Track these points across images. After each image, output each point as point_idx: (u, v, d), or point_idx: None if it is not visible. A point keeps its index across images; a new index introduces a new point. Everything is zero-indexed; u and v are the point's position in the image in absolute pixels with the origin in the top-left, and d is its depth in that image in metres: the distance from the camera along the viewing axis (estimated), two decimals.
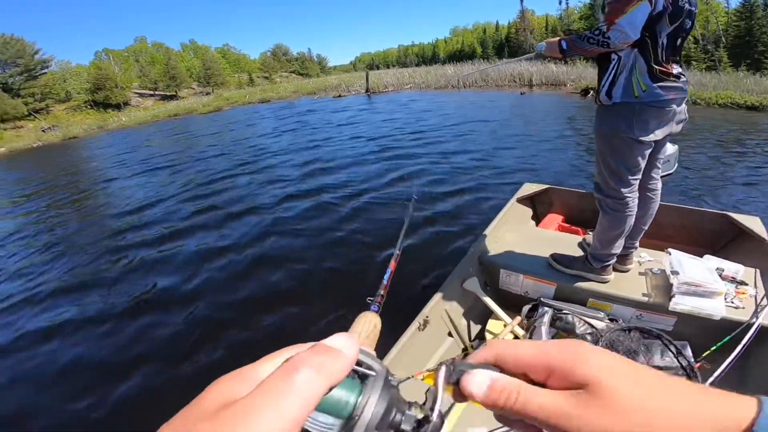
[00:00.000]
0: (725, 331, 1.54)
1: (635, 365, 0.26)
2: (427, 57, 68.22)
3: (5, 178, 12.86)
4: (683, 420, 0.23)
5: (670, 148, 2.29)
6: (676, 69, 1.55)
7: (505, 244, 2.30)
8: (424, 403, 0.27)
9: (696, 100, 11.59)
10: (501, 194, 4.66)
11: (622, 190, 1.72)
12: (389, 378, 0.25)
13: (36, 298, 3.85)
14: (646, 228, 1.92)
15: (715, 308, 1.58)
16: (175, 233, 4.95)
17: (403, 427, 0.25)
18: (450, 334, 2.00)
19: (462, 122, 10.56)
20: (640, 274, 1.94)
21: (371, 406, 0.23)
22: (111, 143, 17.26)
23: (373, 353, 0.27)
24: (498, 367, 0.28)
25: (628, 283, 1.89)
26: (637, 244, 1.98)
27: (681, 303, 1.64)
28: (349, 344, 0.24)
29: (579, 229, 2.72)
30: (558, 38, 1.69)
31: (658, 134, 1.61)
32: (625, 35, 1.44)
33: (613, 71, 1.58)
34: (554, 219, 2.86)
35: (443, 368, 0.28)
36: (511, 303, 2.13)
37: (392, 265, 0.74)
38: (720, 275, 1.68)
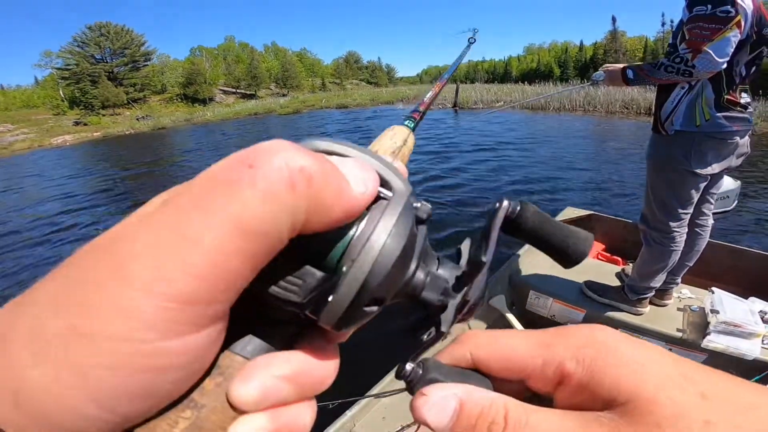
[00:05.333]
0: (756, 372, 1.50)
1: (689, 363, 0.17)
2: (499, 74, 66.84)
3: (103, 154, 14.90)
4: None
5: (731, 184, 2.18)
6: (744, 98, 1.49)
7: (537, 266, 2.31)
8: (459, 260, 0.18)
9: None
10: None
11: (671, 223, 1.67)
12: (414, 205, 0.16)
13: None
14: (691, 264, 1.87)
15: (750, 349, 1.55)
16: None
17: (425, 295, 0.17)
18: None
19: None
20: (678, 309, 1.90)
21: (375, 248, 0.14)
22: (197, 136, 18.58)
23: (402, 166, 0.19)
24: (483, 372, 0.19)
25: (664, 317, 1.87)
26: (679, 280, 1.93)
27: (715, 341, 1.62)
28: (366, 179, 0.15)
29: (618, 259, 2.64)
30: (622, 66, 1.65)
31: (715, 167, 1.55)
32: (715, 64, 1.35)
33: (682, 98, 1.52)
34: (594, 247, 2.78)
35: (505, 202, 0.19)
36: (536, 325, 2.07)
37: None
38: (762, 318, 1.65)
